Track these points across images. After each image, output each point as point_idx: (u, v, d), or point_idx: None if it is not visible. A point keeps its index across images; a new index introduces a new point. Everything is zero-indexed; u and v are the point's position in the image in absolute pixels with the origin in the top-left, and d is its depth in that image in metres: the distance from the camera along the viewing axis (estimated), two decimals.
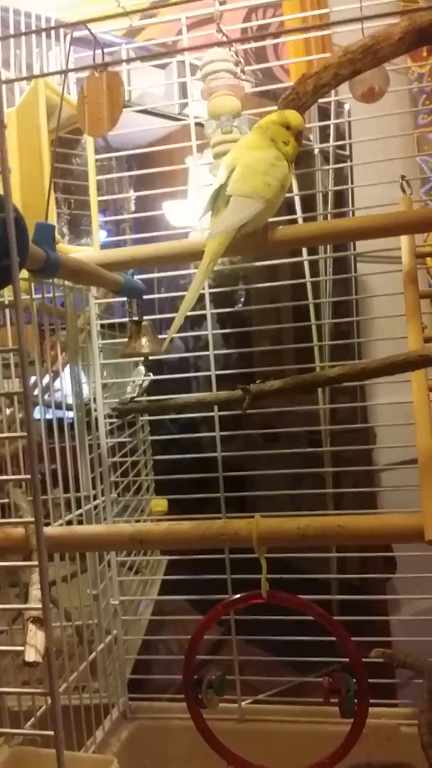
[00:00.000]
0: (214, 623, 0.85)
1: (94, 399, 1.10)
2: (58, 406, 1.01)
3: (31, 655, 0.53)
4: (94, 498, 1.06)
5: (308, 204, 1.26)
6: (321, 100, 0.97)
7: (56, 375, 1.08)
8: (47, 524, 0.90)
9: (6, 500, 0.84)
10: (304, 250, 1.19)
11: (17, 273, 0.51)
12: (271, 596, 0.77)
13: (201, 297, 1.07)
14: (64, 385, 1.06)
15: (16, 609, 0.83)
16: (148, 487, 1.28)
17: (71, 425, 1.01)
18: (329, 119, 1.21)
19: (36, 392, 0.98)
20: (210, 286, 1.10)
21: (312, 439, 1.27)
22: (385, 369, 0.77)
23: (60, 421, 0.95)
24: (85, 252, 0.99)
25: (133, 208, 1.33)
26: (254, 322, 1.29)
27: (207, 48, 1.01)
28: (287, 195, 0.92)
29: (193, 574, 1.10)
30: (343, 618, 0.96)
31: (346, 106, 1.21)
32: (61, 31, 1.05)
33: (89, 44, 0.74)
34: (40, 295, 0.90)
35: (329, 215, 1.28)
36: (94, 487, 1.06)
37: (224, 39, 0.98)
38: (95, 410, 1.10)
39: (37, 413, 0.94)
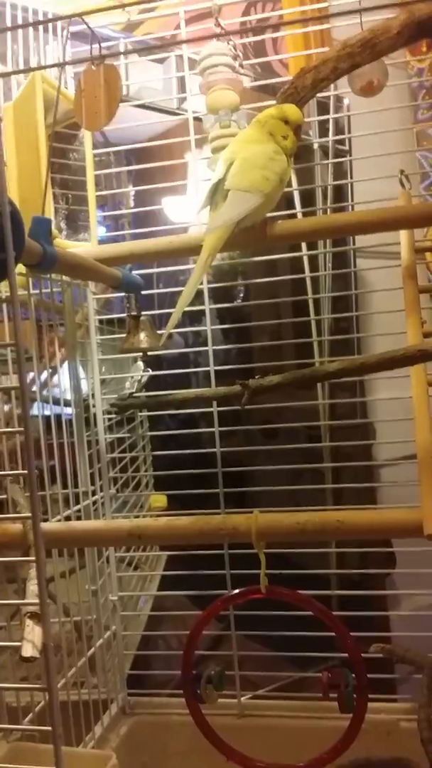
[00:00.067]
0: (213, 618, 0.85)
1: (93, 395, 1.10)
2: (57, 402, 1.00)
3: (28, 651, 0.53)
4: (93, 494, 1.06)
5: (307, 199, 1.26)
6: (320, 95, 0.97)
7: (54, 371, 1.08)
8: (45, 520, 0.90)
9: (4, 496, 0.84)
10: (304, 245, 1.19)
11: (13, 267, 0.51)
12: (270, 591, 0.77)
13: (200, 292, 1.06)
14: (62, 380, 1.05)
15: (14, 605, 0.83)
16: (147, 483, 1.28)
17: (70, 421, 1.00)
18: (328, 114, 1.21)
19: (34, 388, 0.98)
20: (209, 282, 1.09)
21: (311, 434, 1.26)
22: (384, 364, 0.76)
23: (58, 417, 0.95)
24: (83, 247, 0.98)
25: (132, 203, 1.33)
26: (253, 318, 1.29)
27: (204, 41, 1.01)
28: (286, 190, 0.92)
29: (192, 570, 1.10)
30: (343, 613, 0.96)
31: (346, 101, 1.20)
32: (59, 25, 1.04)
33: (87, 39, 0.74)
34: (38, 291, 0.90)
35: (328, 210, 1.27)
36: (92, 483, 1.06)
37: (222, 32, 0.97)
38: (94, 406, 1.10)
39: (36, 409, 0.94)
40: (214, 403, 1.07)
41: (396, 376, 0.83)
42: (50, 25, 1.05)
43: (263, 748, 0.87)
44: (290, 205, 1.21)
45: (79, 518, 0.99)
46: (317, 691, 0.78)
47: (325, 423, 1.25)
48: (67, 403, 1.02)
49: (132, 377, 1.07)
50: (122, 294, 0.98)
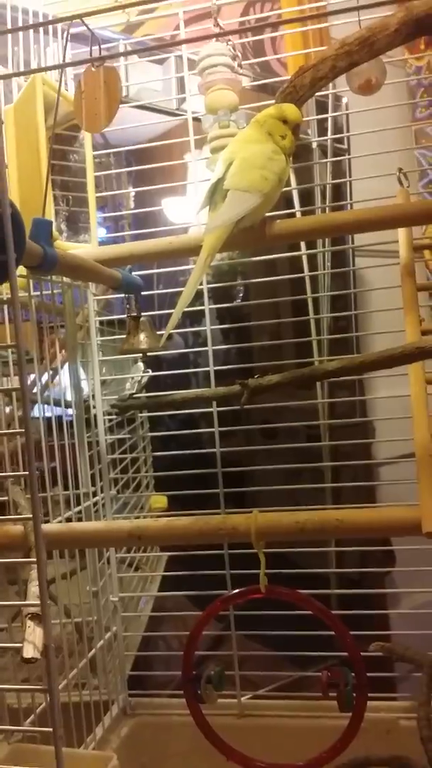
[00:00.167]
0: (212, 619, 0.86)
1: (93, 396, 1.10)
2: (57, 404, 1.01)
3: (29, 652, 0.53)
4: (94, 495, 1.06)
5: (306, 198, 1.26)
6: (318, 94, 0.97)
7: (55, 372, 1.08)
8: (46, 521, 0.90)
9: (5, 498, 0.84)
10: (303, 245, 1.19)
11: (14, 269, 0.51)
12: (269, 591, 0.77)
13: (199, 292, 1.06)
14: (63, 382, 1.05)
15: (15, 606, 0.83)
16: (148, 484, 1.28)
17: (70, 422, 1.00)
18: (327, 113, 1.21)
19: (35, 390, 0.98)
20: (209, 282, 1.09)
21: (311, 433, 1.27)
22: (382, 362, 0.77)
23: (59, 418, 0.95)
24: (83, 248, 0.98)
25: (132, 204, 1.33)
26: (253, 317, 1.29)
27: (203, 41, 1.01)
28: (285, 189, 0.92)
29: (192, 570, 1.10)
30: (342, 612, 0.96)
31: (344, 100, 1.20)
32: (59, 27, 1.04)
33: (87, 40, 0.74)
34: (38, 293, 0.90)
35: (327, 209, 1.28)
36: (93, 485, 1.06)
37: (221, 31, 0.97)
38: (94, 407, 1.10)
39: (37, 411, 0.94)
40: (214, 404, 1.07)
41: (395, 375, 0.83)
42: (50, 27, 1.05)
43: (263, 747, 0.87)
44: (289, 204, 1.21)
45: (79, 519, 0.99)
46: (317, 691, 0.78)
47: (325, 422, 1.25)
48: (67, 405, 1.02)
49: (132, 378, 1.07)
50: (122, 295, 0.98)
